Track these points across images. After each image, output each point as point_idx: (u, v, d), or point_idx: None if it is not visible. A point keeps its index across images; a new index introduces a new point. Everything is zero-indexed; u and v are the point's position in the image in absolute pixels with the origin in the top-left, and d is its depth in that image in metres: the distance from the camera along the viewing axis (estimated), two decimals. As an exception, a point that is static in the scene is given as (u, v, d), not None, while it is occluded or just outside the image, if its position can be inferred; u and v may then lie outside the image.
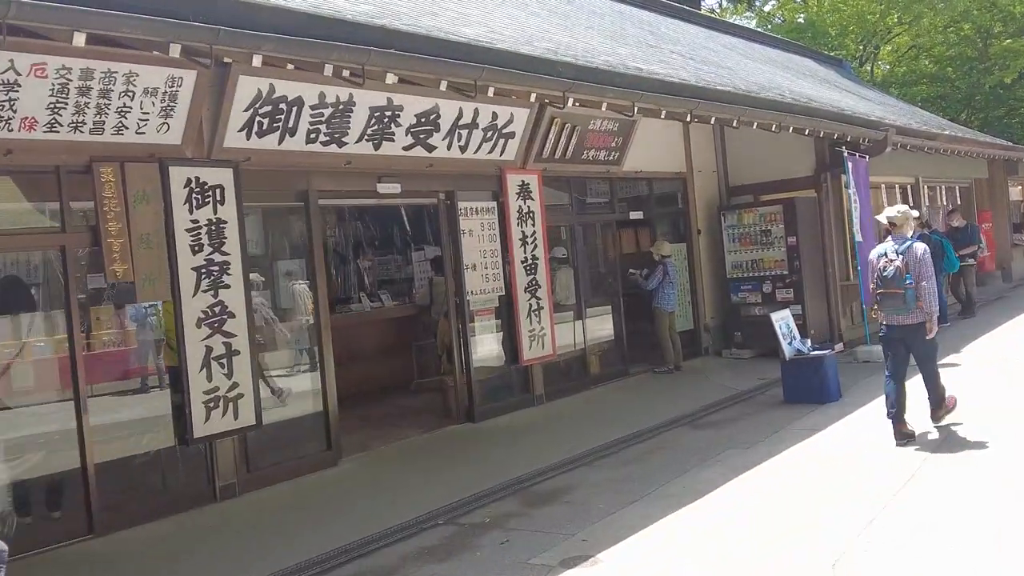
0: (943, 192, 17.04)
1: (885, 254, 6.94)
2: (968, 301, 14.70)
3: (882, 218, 10.80)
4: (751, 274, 12.31)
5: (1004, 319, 13.77)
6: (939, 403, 7.18)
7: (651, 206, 12.21)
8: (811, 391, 8.79)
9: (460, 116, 8.41)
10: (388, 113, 7.77)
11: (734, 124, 9.08)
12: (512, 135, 9.17)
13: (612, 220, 11.45)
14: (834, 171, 12.31)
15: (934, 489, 5.77)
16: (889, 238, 7.09)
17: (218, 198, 6.81)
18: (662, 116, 8.12)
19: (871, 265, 7.10)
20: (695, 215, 12.65)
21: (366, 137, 7.75)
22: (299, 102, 7.04)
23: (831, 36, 32.54)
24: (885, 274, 6.82)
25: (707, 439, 7.80)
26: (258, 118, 6.89)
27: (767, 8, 38.58)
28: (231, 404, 6.75)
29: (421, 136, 8.22)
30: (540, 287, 9.67)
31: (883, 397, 7.21)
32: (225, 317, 6.77)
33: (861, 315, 12.07)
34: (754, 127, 9.59)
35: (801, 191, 12.51)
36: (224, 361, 6.74)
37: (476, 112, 8.53)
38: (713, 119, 8.76)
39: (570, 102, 7.01)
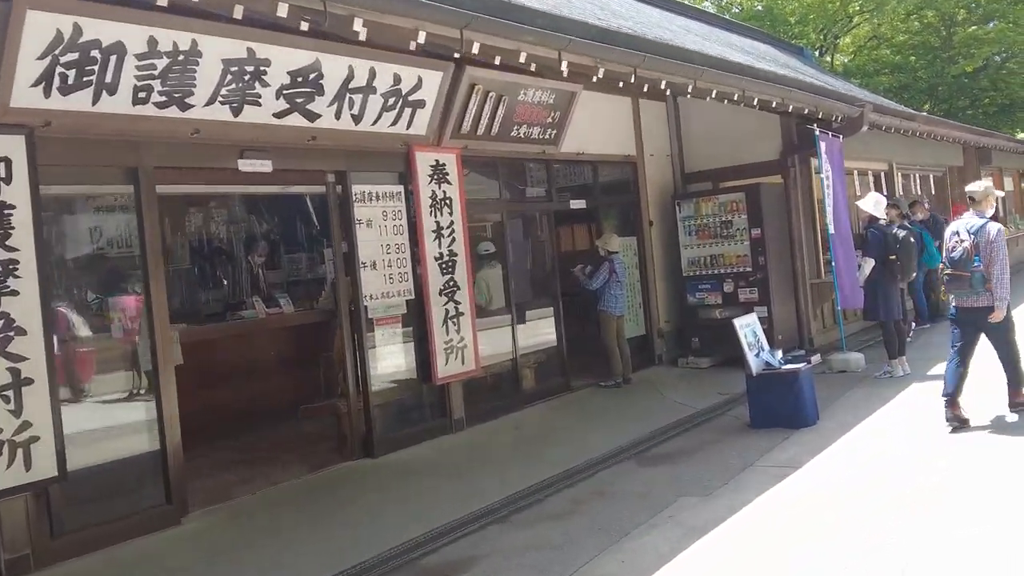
0: (917, 180, 15.71)
1: (957, 232, 6.46)
2: (939, 302, 13.24)
3: (866, 205, 9.45)
4: (710, 271, 10.78)
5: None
6: (1017, 386, 6.63)
7: (596, 194, 10.62)
8: (783, 414, 7.25)
9: (351, 77, 6.74)
10: (250, 68, 6.07)
11: (688, 91, 7.53)
12: (422, 104, 7.52)
13: (550, 210, 9.83)
14: (802, 153, 10.83)
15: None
16: (967, 214, 6.55)
17: (1, 175, 5.07)
18: (599, 75, 6.54)
19: (945, 243, 6.62)
20: (647, 205, 11.08)
21: (220, 99, 6.04)
22: (119, 49, 5.31)
23: (791, 24, 31.35)
24: (953, 255, 6.40)
25: (656, 481, 6.21)
26: (60, 69, 5.15)
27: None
28: (20, 451, 5.02)
29: (298, 100, 6.54)
30: (459, 289, 8.02)
31: (871, 418, 6.92)
32: (11, 335, 5.04)
33: (834, 317, 10.61)
34: (712, 96, 8.05)
35: (766, 177, 11.02)
36: (9, 393, 5.00)
37: (372, 72, 6.86)
38: (664, 83, 7.19)
39: (474, 48, 5.40)
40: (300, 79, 6.45)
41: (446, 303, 7.86)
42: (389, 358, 7.62)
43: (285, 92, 6.43)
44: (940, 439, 6.49)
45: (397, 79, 7.15)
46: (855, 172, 12.90)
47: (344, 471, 6.94)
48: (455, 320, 7.92)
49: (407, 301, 7.70)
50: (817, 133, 9.99)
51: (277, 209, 10.78)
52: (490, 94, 8.14)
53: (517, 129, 8.73)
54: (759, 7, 33.14)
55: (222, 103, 6.09)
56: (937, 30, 31.14)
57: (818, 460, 6.21)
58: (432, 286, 7.76)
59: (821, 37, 32.86)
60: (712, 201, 10.82)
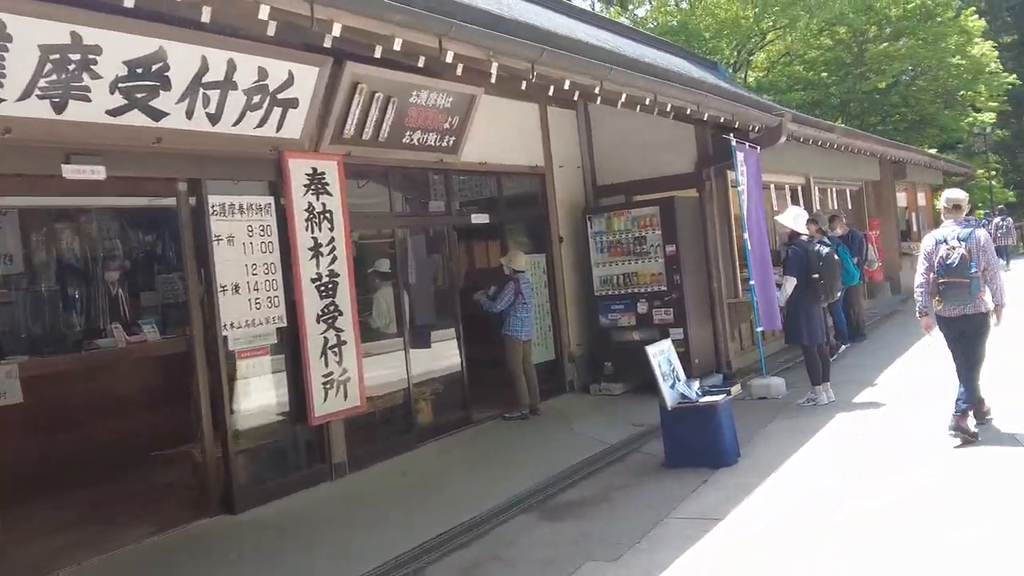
0: (834, 194, 15.35)
1: (945, 240, 6.34)
2: (857, 320, 12.82)
3: (785, 220, 8.84)
4: (623, 291, 10.05)
5: (910, 340, 11.95)
6: (972, 403, 6.52)
7: (501, 208, 9.79)
8: (701, 452, 6.51)
9: (204, 69, 5.78)
10: (75, 56, 5.07)
11: (596, 93, 6.76)
12: (294, 103, 6.59)
13: (450, 225, 8.95)
14: (719, 166, 10.21)
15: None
16: (948, 223, 6.49)
17: None
18: (493, 70, 5.71)
19: (927, 252, 6.46)
20: (556, 219, 10.31)
21: (38, 92, 5.02)
22: None
23: (705, 40, 31.26)
24: (948, 262, 6.25)
25: (560, 539, 5.37)
26: None
27: (640, 13, 37.30)
28: None
29: (139, 96, 5.55)
30: (342, 315, 7.07)
31: (797, 456, 6.54)
32: None
33: (753, 338, 10.00)
34: (622, 101, 7.30)
35: (682, 191, 10.37)
36: None
37: (231, 65, 5.92)
38: (568, 83, 6.41)
39: (335, 29, 4.51)
40: (140, 70, 5.47)
41: (325, 331, 6.90)
42: (255, 396, 6.61)
43: (122, 86, 5.43)
44: (874, 476, 5.86)
45: (263, 74, 6.21)
46: (772, 186, 12.40)
47: (196, 531, 5.90)
48: (336, 350, 6.96)
49: (278, 329, 6.72)
50: (734, 144, 9.38)
51: (147, 223, 9.66)
52: (377, 95, 7.26)
53: (410, 135, 7.87)
54: (674, 22, 33.05)
55: (40, 97, 5.07)
56: (849, 46, 31.45)
57: (740, 510, 5.46)
58: (308, 312, 6.80)
59: (735, 53, 32.92)
60: (625, 216, 10.11)
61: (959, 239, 6.30)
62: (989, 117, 34.25)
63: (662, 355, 6.81)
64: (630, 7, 36.71)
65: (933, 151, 25.77)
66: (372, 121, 7.38)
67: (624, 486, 6.31)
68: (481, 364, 9.18)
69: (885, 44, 29.43)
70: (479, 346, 9.18)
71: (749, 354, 10.80)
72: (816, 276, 8.20)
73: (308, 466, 6.90)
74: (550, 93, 7.23)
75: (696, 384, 6.88)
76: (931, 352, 10.87)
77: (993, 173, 38.40)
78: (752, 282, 9.35)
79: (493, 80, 6.43)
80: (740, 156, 9.45)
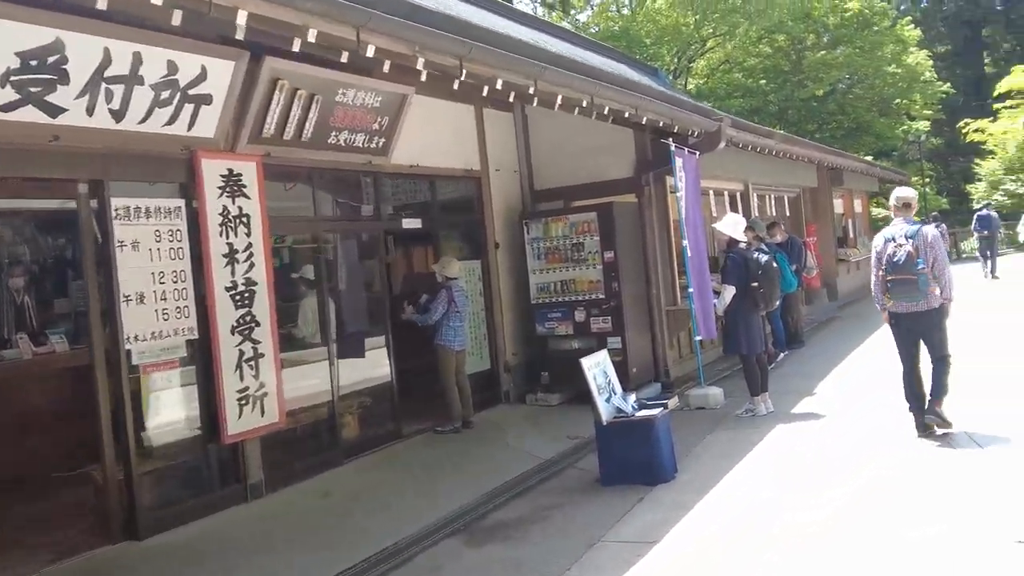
0: (773, 201, 15.32)
1: (893, 239, 6.50)
2: (796, 327, 12.75)
3: (724, 227, 8.65)
4: (561, 299, 9.79)
5: (849, 346, 11.95)
6: (940, 395, 6.62)
7: (435, 213, 9.46)
8: (637, 468, 6.24)
9: (107, 62, 5.37)
10: (-46, 45, 4.63)
11: (531, 93, 6.48)
12: (207, 99, 6.19)
13: (379, 230, 8.59)
14: (658, 171, 10.01)
15: None
16: (897, 221, 6.64)
17: None
18: (420, 65, 5.37)
19: (877, 251, 6.65)
20: (492, 225, 10.01)
21: (-90, 83, 4.57)
22: None
23: (646, 46, 31.32)
24: (896, 260, 6.42)
25: (488, 567, 5.05)
26: None
27: (582, 18, 37.29)
28: None
29: (33, 90, 5.12)
30: (259, 326, 6.67)
31: (736, 471, 6.33)
32: None
33: (691, 347, 9.81)
34: (559, 102, 7.02)
35: (621, 196, 10.15)
36: None
37: (137, 58, 5.52)
38: (500, 82, 6.11)
39: (240, 17, 4.12)
40: (35, 63, 5.06)
41: (240, 343, 6.50)
42: (163, 413, 6.17)
43: (14, 79, 5.02)
44: (813, 487, 5.66)
45: (172, 67, 5.81)
46: (711, 192, 12.26)
47: (98, 560, 5.47)
48: (252, 363, 6.56)
49: (189, 342, 6.29)
50: (673, 148, 9.17)
51: (57, 226, 9.09)
52: (299, 92, 6.89)
53: (336, 135, 7.50)
54: (616, 28, 33.04)
55: (-87, 88, 4.62)
56: (787, 54, 31.81)
57: (677, 531, 5.20)
58: (222, 323, 6.38)
59: (676, 60, 33.07)
60: (563, 221, 9.85)
61: (906, 237, 6.43)
62: (923, 125, 34.96)
63: (597, 367, 6.54)
64: (572, 12, 36.72)
65: (869, 158, 26.10)
66: (294, 120, 7.01)
67: (557, 505, 6.02)
68: (413, 375, 8.85)
69: (823, 52, 29.81)
70: (411, 356, 8.85)
71: (688, 362, 10.63)
72: (755, 284, 8.02)
73: (221, 487, 6.48)
74: (484, 94, 6.91)
75: (632, 397, 6.62)
76: (869, 357, 10.89)
77: (927, 180, 39.16)
78: (691, 289, 9.16)
79: (423, 79, 6.10)
80: (679, 161, 9.26)
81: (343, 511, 6.36)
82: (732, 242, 8.34)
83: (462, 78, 5.83)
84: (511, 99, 7.37)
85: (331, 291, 7.90)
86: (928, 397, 6.63)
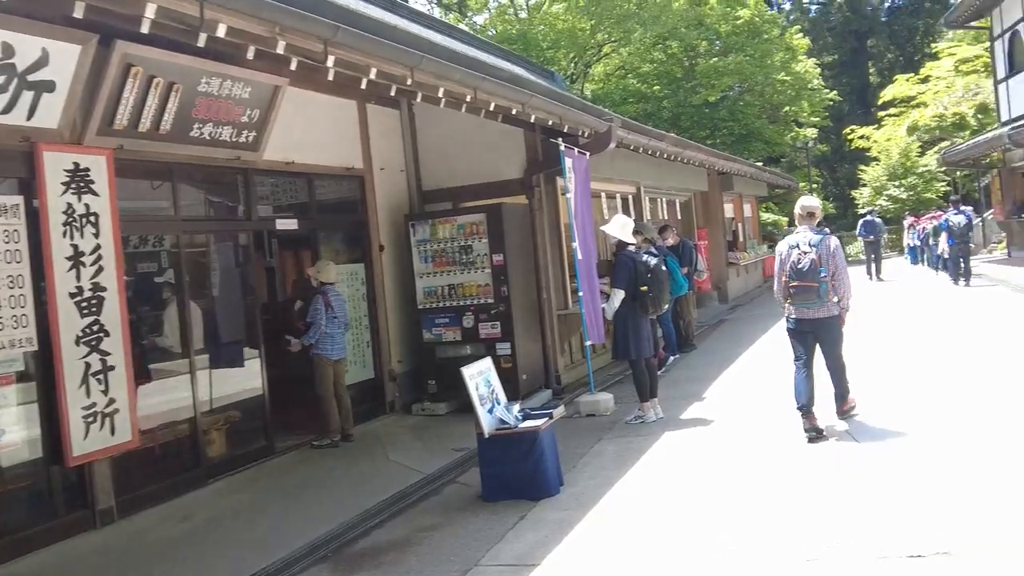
0: (664, 204, 15.31)
1: (798, 246, 6.61)
2: (687, 331, 12.70)
3: (611, 230, 8.42)
4: (449, 303, 9.41)
5: (738, 348, 11.94)
6: (844, 397, 6.96)
7: (313, 213, 8.94)
8: (521, 483, 5.91)
9: (-82, 41, 4.72)
10: None
11: (408, 85, 6.07)
12: (50, 87, 5.59)
13: (249, 231, 8.03)
14: (548, 172, 9.75)
15: None
16: (802, 229, 6.77)
17: None
18: (280, 49, 4.88)
19: (781, 257, 6.75)
20: (377, 226, 9.56)
21: None
22: None
23: (543, 49, 31.27)
24: (800, 267, 6.52)
25: (350, 599, 4.63)
26: None
27: (480, 20, 37.06)
28: None
29: None
30: (108, 335, 6.06)
31: (623, 482, 6.09)
32: None
33: (582, 352, 9.56)
34: (441, 96, 6.64)
35: (511, 197, 9.86)
36: None
37: (-38, 38, 4.87)
38: (374, 71, 5.69)
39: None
40: None
41: (87, 355, 5.88)
42: (-5, 433, 5.52)
43: None
44: (704, 502, 5.41)
45: (8, 50, 5.22)
46: (603, 194, 12.10)
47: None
48: (100, 377, 5.95)
49: (27, 354, 5.65)
50: (562, 148, 8.91)
51: None
52: (156, 80, 6.32)
53: (199, 128, 6.94)
54: (513, 31, 32.90)
55: None
56: (680, 61, 32.24)
57: (559, 552, 4.87)
58: (65, 333, 5.76)
59: (573, 64, 33.16)
60: (450, 223, 9.47)
61: (810, 245, 6.56)
62: (811, 132, 36.01)
63: (480, 376, 6.18)
64: (469, 14, 36.43)
65: (759, 164, 26.63)
66: (151, 110, 6.43)
67: (435, 526, 5.62)
68: (288, 385, 8.32)
69: (715, 59, 30.29)
70: (286, 365, 8.32)
71: (579, 367, 10.39)
72: (644, 288, 7.81)
73: (66, 513, 5.87)
74: (363, 86, 6.47)
75: (516, 407, 6.28)
76: (758, 361, 10.89)
77: (814, 186, 40.41)
78: (581, 293, 8.91)
79: (293, 67, 5.62)
80: (569, 162, 9.00)
81: (201, 537, 5.82)
82: (621, 245, 8.11)
83: (329, 64, 5.38)
84: (392, 93, 6.95)
85: (195, 297, 7.31)
86: (834, 397, 6.91)
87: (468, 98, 6.91)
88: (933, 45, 40.08)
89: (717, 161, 16.21)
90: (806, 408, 6.63)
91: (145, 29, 4.51)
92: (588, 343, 9.03)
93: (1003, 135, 17.17)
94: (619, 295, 7.87)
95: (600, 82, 34.78)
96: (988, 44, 24.71)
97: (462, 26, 32.30)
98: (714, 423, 7.66)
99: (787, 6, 49.48)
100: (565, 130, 9.03)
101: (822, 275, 6.47)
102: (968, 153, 21.94)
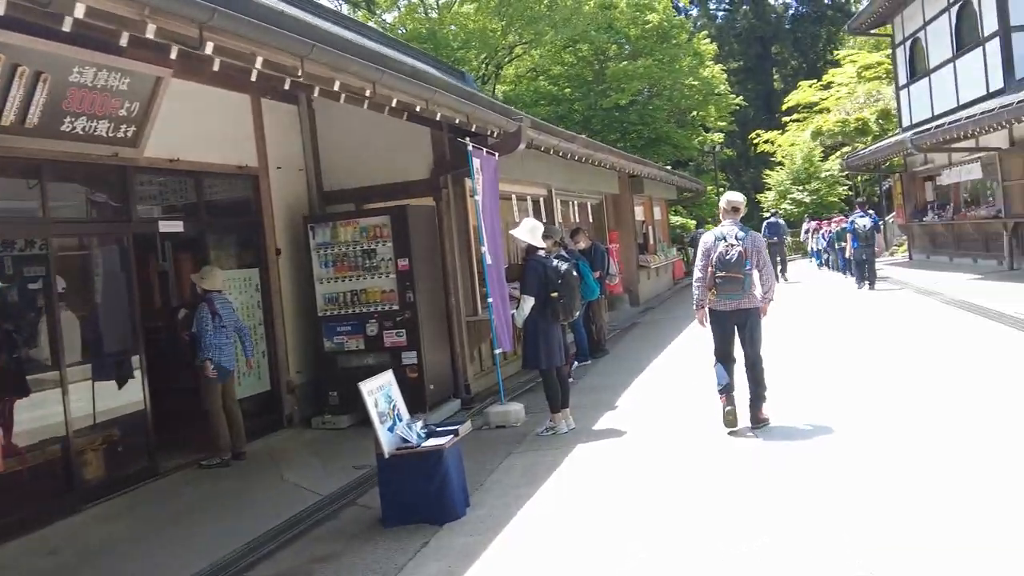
0: (576, 207, 15.09)
1: (725, 238, 6.77)
2: (599, 336, 12.49)
3: (520, 234, 8.08)
4: (351, 310, 8.94)
5: (651, 352, 11.77)
6: (762, 399, 6.89)
7: (202, 214, 8.35)
8: (424, 505, 5.50)
9: None
10: None
11: (299, 77, 5.60)
12: None
13: (128, 233, 7.39)
14: (456, 172, 9.36)
15: None
16: (726, 223, 6.94)
17: None
18: (151, 33, 4.37)
19: (706, 248, 6.85)
20: (273, 229, 9.01)
21: None
22: None
23: (453, 49, 30.87)
24: (728, 258, 6.68)
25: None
26: None
27: (389, 19, 36.43)
28: None
29: None
30: (-39, 349, 5.41)
31: (533, 501, 5.75)
32: None
33: (492, 359, 9.21)
34: (337, 90, 6.17)
35: (418, 199, 9.44)
36: None
37: None
38: (260, 60, 5.22)
39: None
40: None
41: (-67, 372, 5.23)
42: None
43: None
44: (618, 522, 5.11)
45: None
46: (514, 196, 11.77)
47: None
48: (-50, 397, 5.31)
49: None
50: (470, 148, 8.53)
51: None
52: (21, 69, 5.70)
53: (71, 122, 6.31)
54: (423, 30, 32.39)
55: None
56: (591, 64, 32.28)
57: (466, 581, 4.49)
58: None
59: (484, 65, 32.84)
60: (353, 226, 9.00)
61: (737, 238, 6.75)
62: (718, 137, 36.56)
63: (380, 391, 5.74)
64: (378, 12, 35.76)
65: (668, 167, 26.80)
66: (15, 102, 5.80)
67: (329, 556, 5.16)
68: (174, 400, 7.73)
69: (624, 63, 30.40)
70: (171, 378, 7.74)
71: (490, 375, 10.02)
72: (555, 294, 7.49)
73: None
74: (254, 78, 5.94)
75: (419, 424, 5.87)
76: (670, 365, 10.73)
77: (721, 189, 40.99)
78: (490, 300, 8.55)
79: (174, 56, 5.09)
80: (477, 162, 8.64)
81: (72, 572, 5.23)
82: (531, 249, 7.77)
83: (208, 52, 4.87)
84: (287, 86, 6.44)
85: (70, 305, 6.68)
86: (749, 401, 6.89)
87: (367, 93, 6.46)
88: (835, 52, 41.29)
89: (628, 164, 16.08)
90: (727, 389, 6.83)
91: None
92: (498, 351, 8.68)
93: (906, 140, 17.56)
94: (529, 301, 7.53)
95: (512, 84, 34.59)
96: (889, 51, 25.44)
97: (371, 24, 31.68)
98: (627, 433, 7.39)
99: (694, 12, 50.25)
100: (473, 129, 8.65)
101: (747, 267, 6.67)
102: (871, 158, 22.47)
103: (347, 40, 5.90)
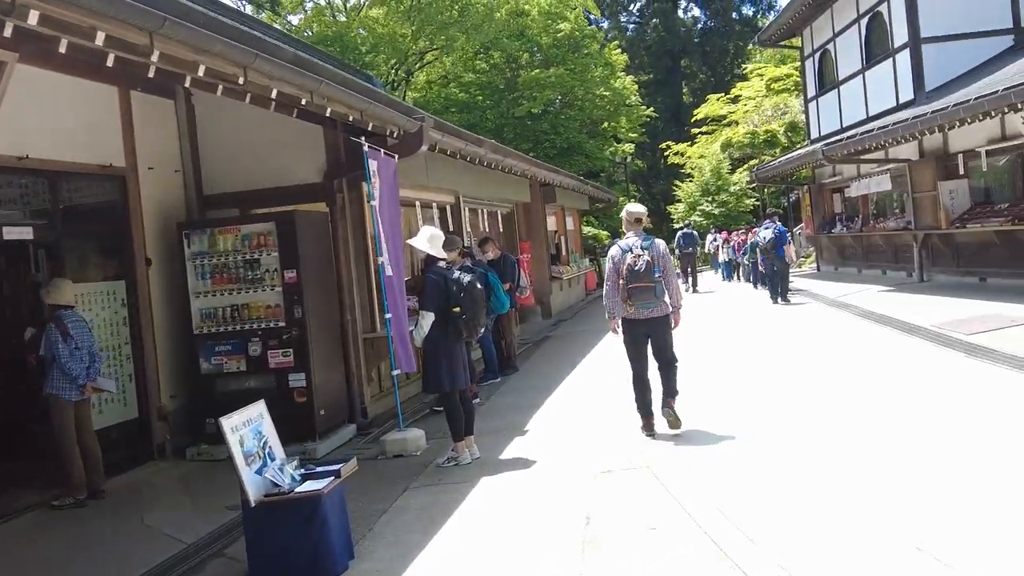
0: (486, 216, 14.39)
1: (631, 249, 6.89)
2: (509, 351, 11.83)
3: (419, 243, 7.33)
4: (232, 327, 8.03)
5: (564, 368, 11.17)
6: (674, 395, 7.05)
7: (56, 219, 7.34)
8: (298, 560, 4.69)
9: None
10: None
11: (150, 56, 4.75)
12: None
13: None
14: (352, 176, 8.55)
15: None
16: (630, 234, 7.05)
17: None
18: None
19: (614, 260, 6.99)
20: (142, 237, 8.05)
21: None
22: None
23: (361, 53, 29.94)
24: (636, 268, 6.79)
25: None
26: None
27: (295, 20, 35.26)
28: None
29: None
30: None
31: (430, 550, 5.06)
32: None
33: (392, 380, 8.41)
34: (202, 77, 5.33)
35: (310, 204, 8.61)
36: None
37: None
38: (101, 36, 4.35)
39: None
40: None
41: None
42: None
43: None
44: (520, 564, 4.41)
45: None
46: (418, 203, 11.01)
47: None
48: None
49: None
50: (366, 149, 7.76)
51: None
52: None
53: None
54: (330, 33, 31.35)
55: None
56: (503, 71, 31.75)
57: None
58: None
59: (394, 71, 31.96)
60: (233, 233, 8.11)
61: (642, 247, 6.84)
62: (629, 148, 36.52)
63: (248, 427, 4.93)
64: (283, 13, 34.55)
65: (580, 177, 26.44)
66: None
67: (180, 627, 4.32)
68: (21, 431, 6.72)
69: (536, 71, 29.95)
70: (17, 407, 6.71)
71: (390, 397, 9.19)
72: (456, 310, 6.75)
73: None
74: (111, 63, 5.06)
75: (294, 464, 5.05)
76: (584, 383, 10.13)
77: (633, 200, 41.05)
78: (388, 315, 7.78)
79: (8, 33, 4.19)
80: (374, 164, 7.86)
81: None
82: (430, 260, 7.03)
83: (31, 23, 4.00)
84: (151, 74, 5.56)
85: None
86: (662, 397, 7.03)
87: (240, 80, 5.62)
88: (743, 66, 41.81)
89: (539, 171, 15.48)
90: (648, 412, 6.99)
91: None
92: (395, 372, 7.90)
93: (817, 150, 17.44)
94: (428, 318, 6.79)
95: (422, 90, 33.80)
96: (797, 64, 25.61)
97: (276, 25, 30.48)
98: (537, 463, 6.71)
99: (605, 24, 50.32)
100: (369, 128, 7.85)
101: (656, 275, 6.77)
102: (780, 169, 22.44)
103: (211, 16, 5.06)
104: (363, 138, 7.77)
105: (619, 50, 35.28)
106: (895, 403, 7.38)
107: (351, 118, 7.44)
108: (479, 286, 6.97)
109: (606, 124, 33.74)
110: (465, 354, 7.08)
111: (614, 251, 7.07)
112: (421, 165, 10.27)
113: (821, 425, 6.84)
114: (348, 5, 34.25)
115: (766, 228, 16.76)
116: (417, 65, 33.02)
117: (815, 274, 23.21)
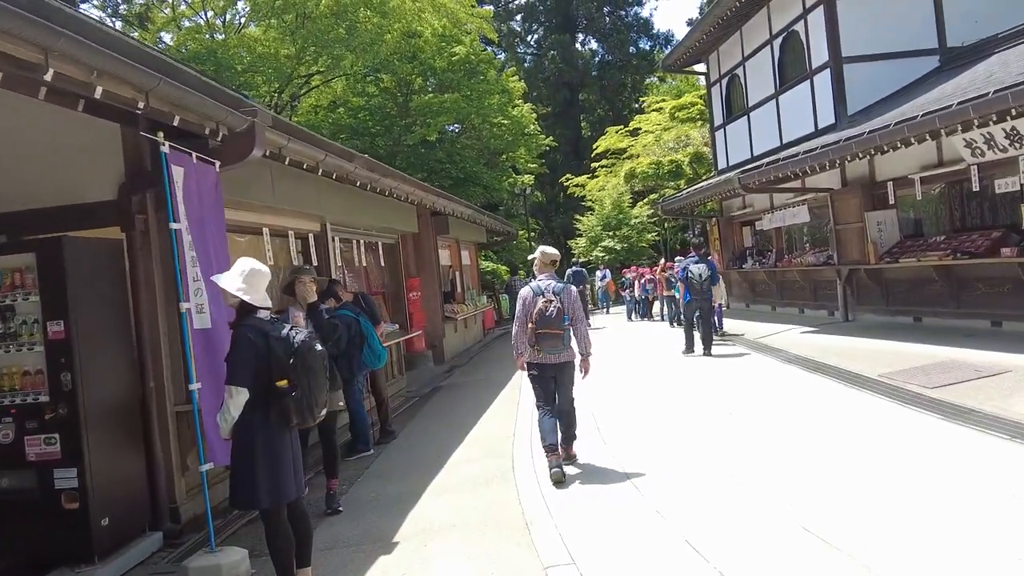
0: (362, 247, 12.13)
1: (543, 293, 6.79)
2: (384, 414, 9.62)
3: (228, 283, 5.05)
4: (-29, 403, 5.59)
5: (455, 433, 9.01)
6: (571, 440, 7.08)
7: None
8: None
9: None
10: None
11: None
12: None
13: None
14: (161, 189, 6.23)
15: None
16: (542, 277, 6.95)
17: None
18: None
19: (525, 303, 6.86)
20: None
21: None
22: None
23: (237, 72, 27.41)
24: (548, 314, 6.68)
25: None
26: None
27: (168, 39, 32.45)
28: None
29: None
30: None
31: None
32: None
33: (201, 477, 6.05)
34: None
35: (102, 229, 6.27)
36: None
37: None
38: None
39: None
40: None
41: None
42: None
43: None
44: None
45: None
46: (266, 231, 8.70)
47: None
48: None
49: None
50: (165, 151, 5.51)
51: None
52: None
53: None
54: (205, 50, 28.71)
55: None
56: (394, 96, 29.71)
57: None
58: None
59: (277, 94, 29.50)
60: (-20, 270, 5.70)
61: (554, 293, 6.75)
62: (528, 179, 34.90)
63: None
64: (152, 29, 31.73)
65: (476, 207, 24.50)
66: None
67: None
68: None
69: (430, 95, 28.00)
70: None
71: (214, 490, 6.85)
72: (283, 383, 4.51)
73: None
74: None
75: None
76: (478, 454, 8.03)
77: (532, 233, 39.43)
78: (196, 385, 5.50)
79: None
80: (178, 173, 5.64)
81: None
82: (245, 309, 4.75)
83: None
84: None
85: None
86: (560, 441, 6.88)
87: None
88: (641, 100, 40.94)
89: (428, 196, 13.32)
90: (553, 446, 6.72)
91: None
92: (205, 466, 5.60)
93: (733, 178, 15.85)
94: (240, 396, 4.53)
95: (307, 115, 31.40)
96: (701, 93, 24.36)
97: (146, 43, 27.64)
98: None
99: (502, 56, 48.87)
100: (175, 123, 5.59)
101: (566, 323, 6.70)
102: (689, 200, 20.93)
103: None
104: (162, 135, 5.51)
105: (517, 78, 33.70)
106: (874, 508, 5.46)
107: (140, 104, 5.16)
108: (319, 348, 4.72)
109: (504, 156, 32.04)
110: (297, 447, 4.81)
111: (525, 292, 6.96)
112: (266, 180, 8.05)
113: (771, 534, 4.84)
114: (225, 23, 31.68)
115: (696, 263, 13.84)
116: (304, 90, 30.68)
117: (725, 312, 21.72)
